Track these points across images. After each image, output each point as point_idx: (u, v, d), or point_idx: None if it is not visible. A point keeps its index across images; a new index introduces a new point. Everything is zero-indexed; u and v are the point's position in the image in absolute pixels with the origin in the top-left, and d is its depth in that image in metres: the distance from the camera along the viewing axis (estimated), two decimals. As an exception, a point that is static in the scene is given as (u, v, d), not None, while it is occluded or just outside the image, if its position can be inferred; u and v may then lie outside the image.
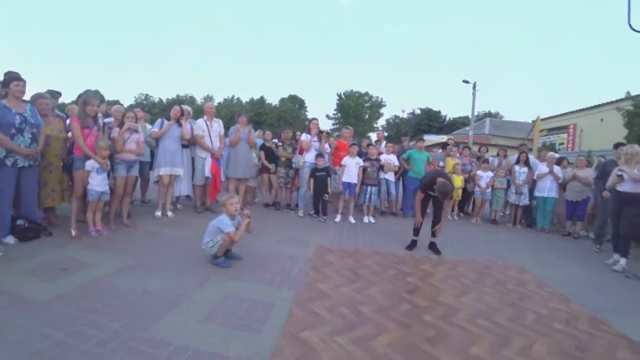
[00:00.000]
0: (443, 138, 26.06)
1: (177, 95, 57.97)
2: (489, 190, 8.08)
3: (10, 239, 3.92)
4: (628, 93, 15.74)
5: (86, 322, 2.41)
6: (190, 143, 6.20)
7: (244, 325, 2.58)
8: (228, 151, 6.72)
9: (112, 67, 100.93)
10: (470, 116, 26.49)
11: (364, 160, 6.94)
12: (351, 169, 6.74)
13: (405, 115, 57.92)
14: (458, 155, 8.64)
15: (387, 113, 67.70)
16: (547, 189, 7.55)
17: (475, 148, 11.03)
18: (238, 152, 6.62)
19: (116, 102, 6.20)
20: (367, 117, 58.43)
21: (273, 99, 60.38)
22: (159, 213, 5.72)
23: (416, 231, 5.31)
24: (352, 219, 6.75)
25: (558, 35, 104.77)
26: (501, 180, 8.09)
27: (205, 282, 3.31)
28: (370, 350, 2.44)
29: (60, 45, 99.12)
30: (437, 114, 54.74)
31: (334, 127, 53.19)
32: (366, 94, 59.23)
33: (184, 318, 2.61)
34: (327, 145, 7.18)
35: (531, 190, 7.95)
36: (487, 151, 9.58)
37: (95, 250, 3.94)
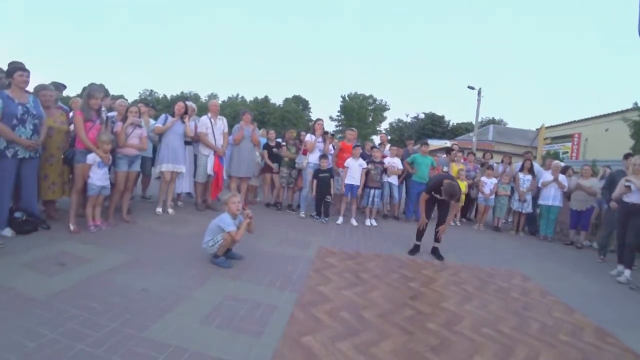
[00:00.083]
0: (446, 143, 25.95)
1: (182, 92, 58.04)
2: (493, 196, 8.02)
3: (7, 232, 3.86)
4: (635, 104, 15.63)
5: (82, 320, 2.35)
6: (194, 140, 6.14)
7: (245, 328, 2.51)
8: (231, 149, 6.66)
9: (118, 62, 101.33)
10: (474, 122, 26.39)
11: (367, 163, 6.87)
12: (354, 171, 6.67)
13: (408, 120, 57.90)
14: (462, 161, 8.57)
15: (390, 117, 67.58)
16: (551, 197, 7.49)
17: (479, 154, 10.96)
18: (241, 151, 6.57)
19: (120, 97, 6.13)
20: (370, 120, 58.41)
21: (277, 99, 60.51)
22: (159, 210, 5.66)
23: (419, 235, 5.24)
24: (354, 222, 6.68)
25: (564, 44, 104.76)
26: (505, 187, 8.03)
27: (205, 281, 3.25)
28: (373, 357, 2.37)
29: (66, 38, 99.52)
30: (441, 118, 54.72)
31: (337, 128, 53.19)
32: (370, 96, 59.25)
33: (183, 319, 2.54)
34: (330, 147, 7.13)
35: (535, 198, 7.89)
36: (492, 157, 9.51)
37: (93, 245, 3.87)
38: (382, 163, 7.18)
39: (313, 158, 6.80)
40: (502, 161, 8.90)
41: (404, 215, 8.15)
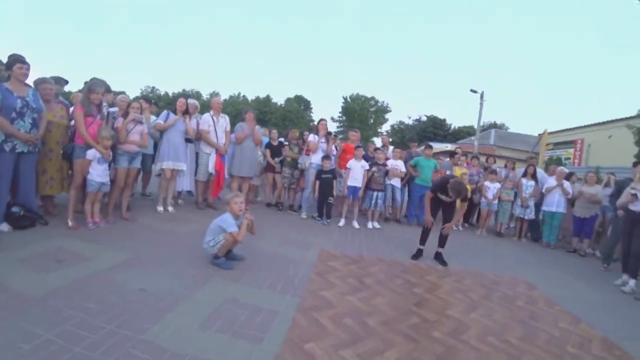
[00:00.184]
0: (447, 146, 25.92)
1: (183, 90, 58.02)
2: (496, 201, 7.94)
3: (4, 227, 3.78)
4: (640, 111, 15.58)
5: (79, 321, 2.27)
6: (195, 138, 6.06)
7: (245, 333, 2.43)
8: (233, 148, 6.58)
9: (120, 59, 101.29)
10: (475, 126, 26.35)
11: (371, 165, 6.79)
12: (356, 172, 6.60)
13: (410, 122, 57.84)
14: (465, 165, 8.50)
15: (392, 118, 67.50)
16: (555, 203, 7.43)
17: (482, 159, 10.88)
18: (243, 150, 6.48)
19: (122, 93, 6.05)
20: (371, 121, 58.35)
21: (279, 99, 60.44)
22: (160, 208, 5.58)
23: (423, 239, 5.16)
24: (355, 224, 6.60)
25: (567, 49, 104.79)
26: (508, 192, 7.96)
27: (205, 283, 3.16)
28: (377, 367, 2.29)
29: (67, 37, 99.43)
30: (443, 122, 54.65)
31: (338, 129, 53.13)
32: (372, 98, 59.22)
33: (182, 322, 2.46)
34: (333, 147, 7.05)
35: (538, 204, 7.81)
36: (495, 162, 9.45)
37: (92, 242, 3.79)
38: (385, 165, 7.10)
39: (316, 159, 6.72)
40: (506, 166, 8.83)
41: (405, 218, 8.08)
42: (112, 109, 5.19)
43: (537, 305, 3.92)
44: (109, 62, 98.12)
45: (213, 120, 6.11)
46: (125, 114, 4.83)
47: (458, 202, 5.05)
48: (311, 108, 61.84)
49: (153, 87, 62.46)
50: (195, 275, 3.32)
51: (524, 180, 7.89)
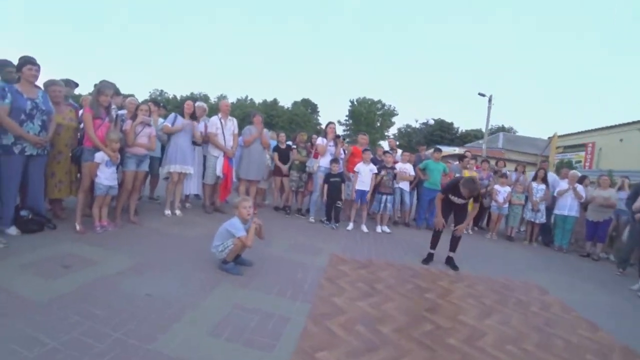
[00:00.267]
0: (455, 150, 25.75)
1: (191, 93, 58.28)
2: (506, 205, 7.81)
3: (12, 230, 3.76)
4: (653, 115, 15.36)
5: (86, 329, 2.21)
6: (203, 141, 6.03)
7: (256, 341, 2.36)
8: (241, 151, 6.54)
9: (129, 63, 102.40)
10: (483, 129, 26.15)
11: (380, 169, 6.71)
12: (365, 176, 6.52)
13: (418, 125, 57.63)
14: (475, 168, 8.38)
15: (399, 122, 67.36)
16: (567, 207, 7.30)
17: (492, 162, 10.73)
18: (251, 153, 6.43)
19: (131, 96, 6.05)
20: (378, 124, 58.23)
21: (286, 102, 60.58)
22: (168, 211, 5.55)
23: (434, 243, 5.07)
24: (364, 228, 6.51)
25: (578, 54, 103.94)
26: (519, 196, 7.83)
27: (213, 288, 3.10)
28: (393, 377, 2.21)
29: (77, 38, 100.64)
30: (450, 125, 54.39)
31: (345, 133, 53.08)
32: (379, 101, 59.15)
33: (190, 329, 2.39)
34: (341, 151, 6.98)
35: (549, 208, 7.67)
36: (505, 165, 9.32)
37: (99, 247, 3.75)
38: (393, 168, 7.00)
39: (324, 162, 6.65)
40: (516, 169, 8.70)
41: (414, 222, 7.98)
42: (120, 112, 5.18)
43: (552, 312, 3.81)
44: (118, 66, 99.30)
45: (221, 123, 6.07)
46: (133, 117, 4.80)
47: (470, 203, 4.95)
48: (318, 111, 61.96)
49: (161, 91, 62.96)
50: (204, 280, 3.26)
51: (534, 184, 7.76)
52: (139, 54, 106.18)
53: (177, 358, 2.06)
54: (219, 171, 6.00)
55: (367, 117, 56.82)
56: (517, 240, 7.87)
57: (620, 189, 7.31)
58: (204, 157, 6.11)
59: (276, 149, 7.20)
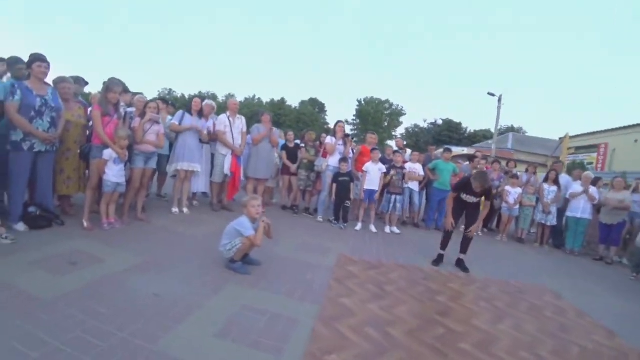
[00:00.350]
0: (463, 150, 25.50)
1: (200, 92, 58.58)
2: (517, 207, 7.68)
3: (21, 226, 3.76)
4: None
5: (90, 328, 2.17)
6: (211, 139, 6.00)
7: (264, 343, 2.30)
8: (249, 150, 6.50)
9: (139, 61, 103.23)
10: (492, 129, 25.90)
11: (390, 168, 6.63)
12: (373, 175, 6.44)
13: (426, 125, 57.29)
14: (485, 169, 8.24)
15: (407, 122, 67.04)
16: (580, 209, 7.15)
17: (502, 163, 10.56)
18: (259, 152, 6.39)
19: (140, 94, 6.03)
20: (386, 124, 57.98)
21: (293, 101, 60.59)
22: (175, 209, 5.52)
23: (444, 244, 4.99)
24: (373, 228, 6.43)
25: (589, 53, 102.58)
26: (530, 197, 7.69)
27: (221, 289, 3.04)
28: (405, 383, 2.14)
29: (86, 37, 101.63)
30: (458, 125, 53.98)
31: (353, 132, 52.93)
32: (386, 101, 58.89)
33: (197, 330, 2.34)
34: (350, 150, 6.91)
35: (562, 210, 7.52)
36: (515, 166, 9.17)
37: (106, 244, 3.73)
38: (403, 168, 6.91)
39: (333, 161, 6.58)
40: (527, 170, 8.54)
41: (423, 222, 7.88)
42: (129, 109, 5.16)
43: (566, 317, 3.71)
44: (126, 65, 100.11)
45: (229, 121, 6.03)
46: (142, 114, 4.78)
47: (482, 202, 4.86)
48: (325, 111, 61.90)
49: (170, 90, 63.35)
50: (211, 280, 3.21)
51: (545, 186, 7.61)
52: (148, 54, 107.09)
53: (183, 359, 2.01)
54: (227, 169, 5.96)
55: (375, 117, 56.60)
56: (528, 242, 7.74)
57: (635, 191, 7.15)
58: (212, 155, 6.08)
59: (284, 147, 7.16)
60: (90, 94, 6.95)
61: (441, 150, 8.68)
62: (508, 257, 6.22)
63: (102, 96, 4.34)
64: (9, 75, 4.33)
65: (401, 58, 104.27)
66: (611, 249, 6.98)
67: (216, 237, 3.74)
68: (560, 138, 23.32)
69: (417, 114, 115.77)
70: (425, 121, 58.12)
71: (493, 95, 23.94)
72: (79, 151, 4.51)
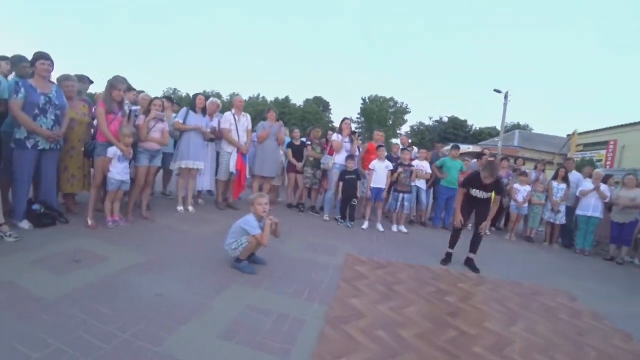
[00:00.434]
0: (469, 148, 25.31)
1: (204, 91, 58.59)
2: (526, 205, 7.55)
3: (25, 224, 3.74)
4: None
5: (92, 329, 2.11)
6: (216, 137, 5.94)
7: (270, 345, 2.22)
8: (255, 148, 6.44)
9: (143, 60, 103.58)
10: (498, 127, 25.67)
11: (396, 166, 6.54)
12: (380, 173, 6.35)
13: (431, 123, 56.97)
14: (494, 163, 8.11)
15: (412, 120, 66.71)
16: (591, 207, 6.99)
17: (511, 161, 10.40)
18: (265, 149, 6.33)
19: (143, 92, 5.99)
20: (390, 122, 57.75)
21: (298, 100, 60.50)
22: (180, 207, 5.47)
23: (453, 243, 4.90)
24: (380, 227, 6.35)
25: (594, 50, 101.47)
26: (539, 195, 7.55)
27: (226, 289, 2.98)
28: (417, 388, 2.06)
29: (90, 37, 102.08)
30: (464, 123, 53.61)
31: (357, 131, 52.75)
32: (391, 99, 58.67)
33: (201, 331, 2.27)
34: (357, 148, 6.82)
35: (572, 208, 7.37)
36: (524, 164, 9.02)
37: (110, 243, 3.68)
38: (411, 166, 6.81)
39: (339, 159, 6.50)
40: (536, 168, 8.39)
41: (430, 221, 7.78)
42: (134, 107, 5.12)
43: (582, 319, 3.60)
44: (132, 65, 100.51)
45: (235, 118, 5.97)
46: (147, 112, 4.73)
47: (492, 197, 4.76)
48: (330, 109, 61.74)
49: (175, 89, 63.55)
50: (216, 279, 3.15)
51: (554, 184, 7.47)
52: (153, 54, 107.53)
53: (187, 362, 1.95)
54: (232, 167, 5.90)
55: (379, 115, 56.43)
56: (537, 241, 7.60)
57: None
58: (218, 153, 6.02)
59: (290, 145, 7.08)
60: (95, 94, 6.92)
61: (449, 147, 8.56)
62: (517, 256, 6.11)
63: (106, 93, 4.29)
64: (13, 74, 4.30)
65: (405, 57, 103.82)
66: (622, 249, 6.83)
67: (221, 236, 3.67)
68: (568, 135, 23.09)
69: (422, 112, 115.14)
70: (430, 119, 57.79)
71: (499, 92, 23.74)
72: (83, 149, 4.48)
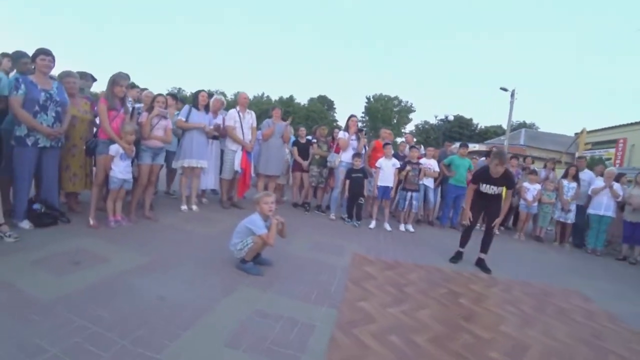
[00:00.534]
0: (475, 146, 25.09)
1: (209, 90, 58.62)
2: (536, 204, 7.39)
3: (25, 224, 3.65)
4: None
5: (90, 334, 2.01)
6: (221, 135, 5.83)
7: (279, 352, 2.10)
8: (259, 146, 6.33)
9: (148, 59, 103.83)
10: (503, 125, 25.42)
11: (404, 165, 6.40)
12: (387, 171, 6.22)
13: (436, 122, 56.64)
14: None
15: (416, 118, 66.41)
16: (603, 206, 6.83)
17: (520, 159, 10.20)
18: (270, 147, 6.21)
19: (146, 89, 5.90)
20: (395, 121, 57.47)
21: (302, 99, 60.36)
22: (184, 207, 5.37)
23: (463, 242, 4.78)
24: (387, 226, 6.22)
25: (600, 47, 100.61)
26: (549, 194, 7.38)
27: (231, 291, 2.86)
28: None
29: (94, 35, 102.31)
30: (469, 121, 53.26)
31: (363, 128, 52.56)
32: (395, 98, 58.38)
33: (205, 338, 2.16)
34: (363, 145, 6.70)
35: (584, 207, 7.21)
36: (533, 162, 8.85)
37: (112, 243, 3.58)
38: (418, 164, 6.67)
39: (346, 157, 6.38)
40: (545, 166, 8.23)
41: (438, 220, 7.64)
42: (137, 105, 5.02)
43: (597, 321, 3.46)
44: (136, 64, 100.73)
45: (239, 116, 5.85)
46: (149, 109, 4.63)
47: (503, 192, 4.62)
48: (334, 108, 61.56)
49: (179, 88, 63.52)
50: (220, 281, 3.04)
51: (565, 182, 7.31)
52: (157, 53, 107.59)
53: (191, 371, 1.84)
54: (237, 166, 5.79)
55: (384, 114, 56.15)
56: (547, 241, 7.45)
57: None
58: (222, 151, 5.91)
59: (295, 143, 6.96)
60: (97, 93, 6.84)
61: (457, 145, 8.41)
62: (528, 256, 5.96)
63: (108, 90, 4.20)
64: (15, 71, 4.22)
65: (409, 56, 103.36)
66: (635, 248, 6.67)
67: (226, 236, 3.57)
68: (576, 133, 22.81)
69: (427, 111, 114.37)
70: (435, 117, 57.43)
71: (506, 90, 23.51)
72: (84, 147, 4.39)
